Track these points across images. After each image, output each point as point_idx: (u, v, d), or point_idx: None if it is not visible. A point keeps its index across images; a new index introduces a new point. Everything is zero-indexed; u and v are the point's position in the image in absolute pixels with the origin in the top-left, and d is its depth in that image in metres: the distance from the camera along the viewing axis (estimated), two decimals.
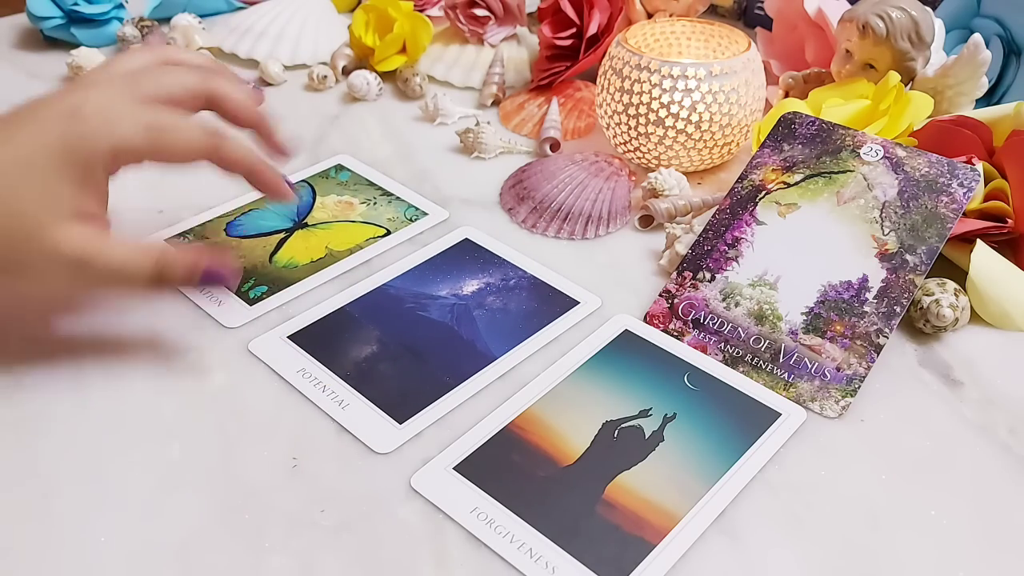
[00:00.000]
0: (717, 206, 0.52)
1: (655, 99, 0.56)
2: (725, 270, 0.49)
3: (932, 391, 0.45)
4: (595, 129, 0.67)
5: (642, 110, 0.57)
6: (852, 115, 0.55)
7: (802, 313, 0.46)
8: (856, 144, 0.51)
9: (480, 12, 0.73)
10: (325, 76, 0.73)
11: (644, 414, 0.42)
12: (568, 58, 0.70)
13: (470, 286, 0.51)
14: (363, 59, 0.75)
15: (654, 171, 0.59)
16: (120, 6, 0.80)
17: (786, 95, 0.63)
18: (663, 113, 0.57)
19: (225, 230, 0.55)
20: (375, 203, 0.58)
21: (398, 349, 0.46)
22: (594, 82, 0.64)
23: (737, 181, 0.52)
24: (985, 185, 0.51)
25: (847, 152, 0.51)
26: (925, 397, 0.44)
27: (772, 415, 0.43)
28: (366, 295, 0.50)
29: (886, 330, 0.45)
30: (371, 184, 0.60)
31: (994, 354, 0.47)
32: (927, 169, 0.49)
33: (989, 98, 0.63)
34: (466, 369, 0.45)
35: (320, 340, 0.47)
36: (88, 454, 0.40)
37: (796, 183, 0.51)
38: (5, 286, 0.42)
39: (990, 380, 0.45)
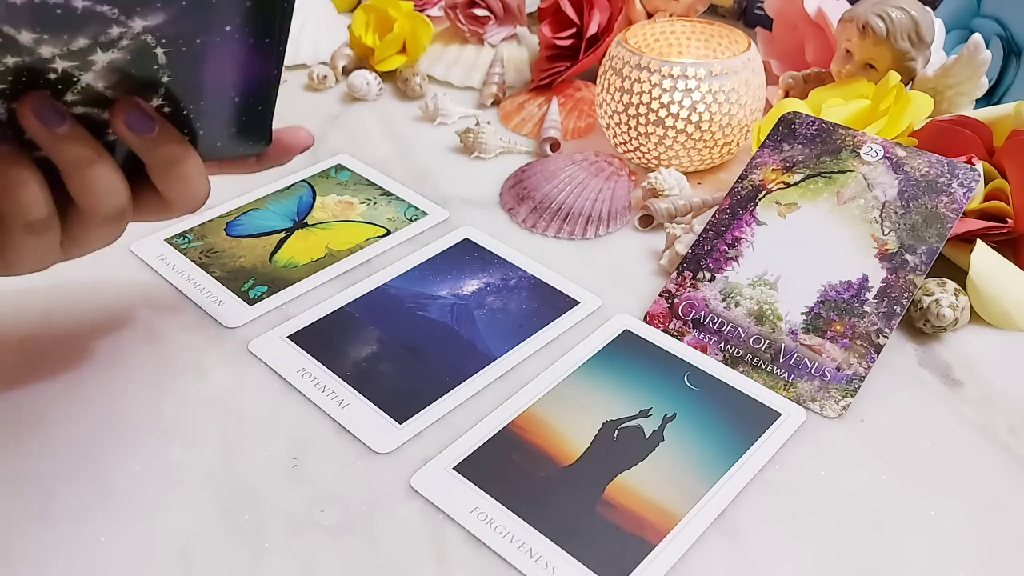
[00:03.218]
0: (717, 206, 0.52)
1: (655, 99, 0.56)
2: (725, 270, 0.49)
3: (932, 391, 0.45)
4: (595, 129, 0.67)
5: (642, 110, 0.57)
6: (852, 115, 0.55)
7: (802, 313, 0.46)
8: (856, 144, 0.51)
9: (480, 12, 0.73)
10: (325, 76, 0.73)
11: (644, 414, 0.42)
12: (568, 58, 0.70)
13: (470, 286, 0.51)
14: (363, 59, 0.75)
15: (654, 171, 0.59)
16: None
17: (786, 95, 0.63)
18: (663, 113, 0.57)
19: (225, 230, 0.55)
20: (375, 203, 0.58)
21: (398, 349, 0.46)
22: (594, 82, 0.64)
23: (737, 181, 0.52)
24: (985, 185, 0.51)
25: (847, 152, 0.51)
26: (925, 397, 0.44)
27: (772, 415, 0.43)
28: (366, 295, 0.50)
29: (886, 330, 0.45)
30: (371, 184, 0.60)
31: (994, 354, 0.47)
32: (927, 169, 0.49)
33: (989, 98, 0.63)
34: (466, 369, 0.45)
35: (320, 340, 0.47)
36: (88, 453, 0.40)
37: (796, 183, 0.51)
38: None
39: (990, 380, 0.45)
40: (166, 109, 0.34)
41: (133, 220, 0.37)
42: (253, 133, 0.38)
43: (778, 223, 0.50)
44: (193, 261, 0.52)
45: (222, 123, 0.36)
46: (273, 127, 0.38)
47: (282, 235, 0.55)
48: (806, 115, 0.54)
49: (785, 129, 0.54)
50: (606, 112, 0.60)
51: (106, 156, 0.33)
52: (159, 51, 0.31)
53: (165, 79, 0.32)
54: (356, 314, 0.49)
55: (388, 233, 0.56)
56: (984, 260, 0.49)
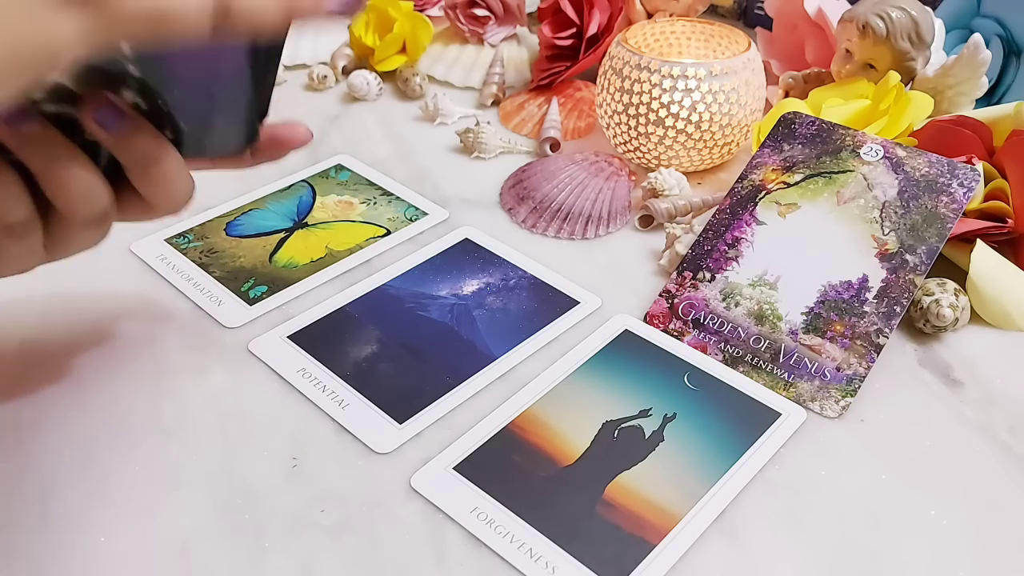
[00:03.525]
0: (717, 206, 0.52)
1: (655, 99, 0.56)
2: (725, 270, 0.49)
3: (932, 391, 0.45)
4: (595, 129, 0.67)
5: (642, 110, 0.57)
6: (852, 115, 0.55)
7: (802, 313, 0.46)
8: (856, 144, 0.51)
9: (480, 12, 0.73)
10: (325, 76, 0.73)
11: (644, 414, 0.42)
12: (568, 58, 0.70)
13: (470, 286, 0.51)
14: (363, 59, 0.75)
15: (654, 171, 0.59)
16: None
17: (786, 95, 0.63)
18: (663, 113, 0.57)
19: (225, 230, 0.55)
20: (375, 203, 0.58)
21: (398, 349, 0.46)
22: (594, 82, 0.64)
23: (737, 181, 0.52)
24: (985, 185, 0.51)
25: (847, 152, 0.51)
26: (925, 397, 0.44)
27: (772, 415, 0.43)
28: (366, 295, 0.50)
29: (886, 330, 0.45)
30: (371, 184, 0.60)
31: (994, 354, 0.47)
32: (927, 169, 0.49)
33: (989, 98, 0.63)
34: (466, 369, 0.45)
35: (320, 340, 0.47)
36: (88, 454, 0.40)
37: (796, 183, 0.51)
38: None
39: (990, 380, 0.45)
40: (141, 106, 0.32)
41: (117, 220, 0.36)
42: (238, 128, 0.36)
43: (778, 223, 0.50)
44: (193, 261, 0.52)
45: (202, 118, 0.34)
46: (268, 121, 0.37)
47: (282, 235, 0.55)
48: (806, 115, 0.54)
49: (785, 129, 0.54)
50: (606, 112, 0.60)
51: (81, 157, 0.32)
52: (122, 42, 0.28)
53: (134, 72, 0.30)
54: (356, 314, 0.49)
55: (388, 233, 0.56)
56: (984, 260, 0.49)
